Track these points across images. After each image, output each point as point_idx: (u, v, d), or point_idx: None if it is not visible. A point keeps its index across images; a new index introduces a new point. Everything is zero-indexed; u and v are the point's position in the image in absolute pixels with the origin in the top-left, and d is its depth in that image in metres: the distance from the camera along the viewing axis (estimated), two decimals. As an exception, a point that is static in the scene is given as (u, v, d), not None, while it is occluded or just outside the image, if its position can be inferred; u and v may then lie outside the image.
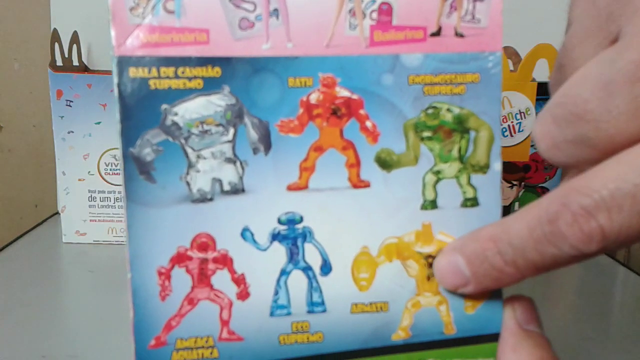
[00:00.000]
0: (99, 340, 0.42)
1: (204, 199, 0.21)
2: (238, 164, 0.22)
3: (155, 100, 0.21)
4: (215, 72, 0.21)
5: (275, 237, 0.22)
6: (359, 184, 0.22)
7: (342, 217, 0.22)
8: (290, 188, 0.22)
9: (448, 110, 0.22)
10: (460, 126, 0.22)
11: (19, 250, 0.62)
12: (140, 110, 0.21)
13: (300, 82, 0.22)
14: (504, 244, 0.20)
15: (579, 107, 0.18)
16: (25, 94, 0.81)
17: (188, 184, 0.21)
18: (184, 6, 0.21)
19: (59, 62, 0.61)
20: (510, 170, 0.63)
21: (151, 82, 0.21)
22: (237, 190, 0.22)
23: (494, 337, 0.23)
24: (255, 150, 0.22)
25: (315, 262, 0.22)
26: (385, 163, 0.22)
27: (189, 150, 0.21)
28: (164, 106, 0.21)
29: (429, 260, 0.23)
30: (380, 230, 0.22)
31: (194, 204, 0.21)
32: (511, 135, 0.59)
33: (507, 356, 0.22)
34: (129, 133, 0.21)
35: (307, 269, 0.22)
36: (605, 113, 0.17)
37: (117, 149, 0.62)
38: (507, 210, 0.64)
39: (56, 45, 0.61)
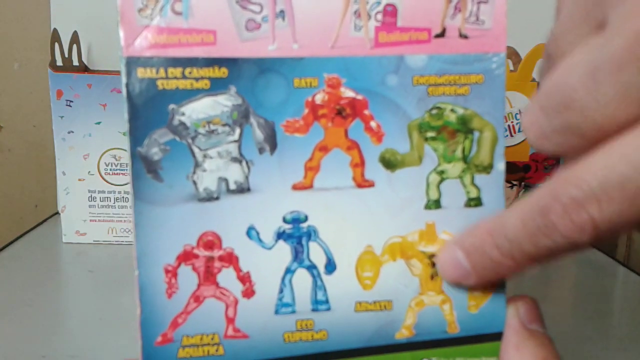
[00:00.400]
0: (99, 340, 0.42)
1: (210, 197, 0.22)
2: (244, 163, 0.22)
3: (163, 101, 0.21)
4: (222, 72, 0.21)
5: (281, 235, 0.22)
6: (363, 183, 0.22)
7: (347, 216, 0.22)
8: (295, 187, 0.22)
9: (452, 110, 0.23)
10: (464, 127, 0.23)
11: (19, 250, 0.62)
12: (148, 110, 0.21)
13: (305, 83, 0.22)
14: (500, 237, 0.20)
15: (567, 96, 0.18)
16: (25, 94, 0.81)
17: (195, 183, 0.22)
18: (192, 8, 0.21)
19: (59, 62, 0.61)
20: (510, 170, 0.63)
21: (159, 83, 0.21)
22: (242, 189, 0.22)
23: (497, 336, 0.23)
24: (261, 150, 0.22)
25: (319, 261, 0.22)
26: (389, 163, 0.22)
27: (196, 150, 0.21)
28: (172, 106, 0.21)
29: (433, 259, 0.23)
30: (384, 229, 0.23)
31: (200, 202, 0.22)
32: (511, 135, 0.59)
33: (510, 355, 0.22)
34: (137, 132, 0.21)
35: (311, 268, 0.22)
36: (592, 101, 0.17)
37: (117, 149, 0.62)
38: (506, 211, 0.64)
39: (56, 45, 0.61)
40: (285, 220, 0.22)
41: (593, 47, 0.18)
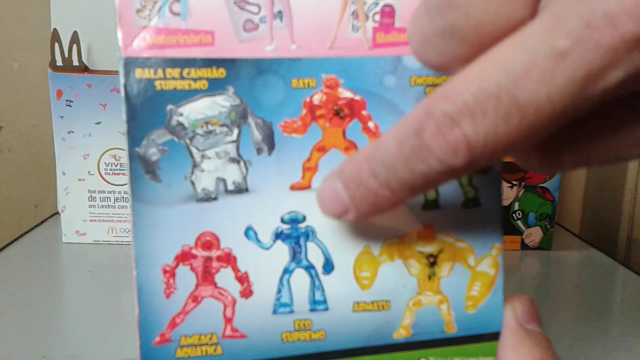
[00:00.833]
0: (99, 340, 0.43)
1: (208, 198, 0.22)
2: (242, 163, 0.22)
3: (161, 101, 0.21)
4: (220, 73, 0.21)
5: (279, 236, 0.22)
6: (361, 183, 0.22)
7: None
8: (293, 188, 0.22)
9: None
10: None
11: (19, 250, 0.62)
12: (146, 110, 0.21)
13: (303, 83, 0.22)
14: (376, 163, 0.18)
15: None
16: (25, 94, 0.81)
17: (193, 183, 0.22)
18: (190, 8, 0.21)
19: (59, 62, 0.61)
20: (510, 170, 0.63)
21: (157, 83, 0.21)
22: (240, 189, 0.22)
23: (494, 336, 0.23)
24: (258, 151, 0.22)
25: (317, 261, 0.22)
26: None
27: (194, 150, 0.22)
28: (170, 107, 0.21)
29: (430, 259, 0.23)
30: (382, 229, 0.23)
31: (198, 203, 0.22)
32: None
33: (508, 355, 0.22)
34: (135, 133, 0.21)
35: (309, 268, 0.22)
36: None
37: (117, 149, 0.62)
38: (507, 211, 0.64)
39: (56, 45, 0.61)
40: (283, 221, 0.22)
41: None
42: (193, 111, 0.21)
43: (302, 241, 0.22)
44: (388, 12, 0.22)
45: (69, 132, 0.61)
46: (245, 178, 0.22)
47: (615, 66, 0.14)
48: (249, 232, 0.22)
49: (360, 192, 0.18)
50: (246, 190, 0.22)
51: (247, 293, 0.22)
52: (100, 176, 0.62)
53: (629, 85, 0.15)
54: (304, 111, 0.22)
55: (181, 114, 0.21)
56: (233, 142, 0.22)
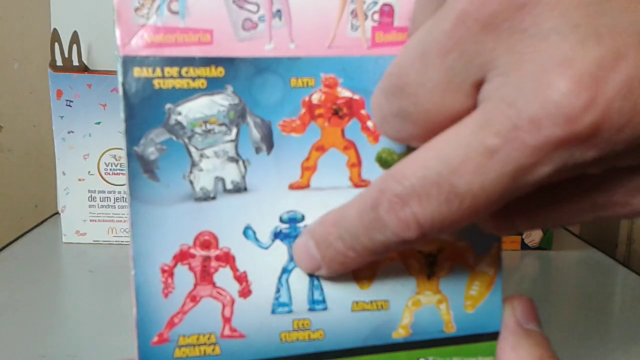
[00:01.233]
0: (99, 340, 0.43)
1: (206, 197, 0.22)
2: (240, 163, 0.22)
3: (160, 100, 0.21)
4: (218, 72, 0.21)
5: (277, 235, 0.22)
6: (360, 183, 0.22)
7: None
8: (292, 187, 0.22)
9: None
10: None
11: (19, 250, 0.62)
12: (144, 109, 0.21)
13: (302, 83, 0.22)
14: (342, 230, 0.20)
15: (401, 79, 0.17)
16: (25, 94, 0.81)
17: (191, 182, 0.22)
18: (188, 7, 0.21)
19: (59, 62, 0.61)
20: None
21: (155, 82, 0.21)
22: (239, 189, 0.22)
23: (493, 336, 0.23)
24: (257, 150, 0.22)
25: None
26: (386, 163, 0.22)
27: (192, 149, 0.22)
28: (168, 105, 0.21)
29: (430, 259, 0.23)
30: None
31: (197, 202, 0.22)
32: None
33: (507, 355, 0.22)
34: (134, 132, 0.21)
35: None
36: (420, 86, 0.17)
37: (117, 149, 0.62)
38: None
39: (56, 45, 0.61)
40: (282, 220, 0.22)
41: (425, 29, 0.17)
42: (192, 110, 0.21)
43: None
44: (387, 12, 0.22)
45: (69, 132, 0.61)
46: (244, 177, 0.22)
47: (543, 163, 0.16)
48: (248, 232, 0.22)
49: (329, 252, 0.20)
50: (245, 189, 0.22)
51: (245, 293, 0.22)
52: (100, 176, 0.62)
53: (562, 174, 0.16)
54: (303, 110, 0.22)
55: (180, 113, 0.21)
56: (232, 141, 0.22)
